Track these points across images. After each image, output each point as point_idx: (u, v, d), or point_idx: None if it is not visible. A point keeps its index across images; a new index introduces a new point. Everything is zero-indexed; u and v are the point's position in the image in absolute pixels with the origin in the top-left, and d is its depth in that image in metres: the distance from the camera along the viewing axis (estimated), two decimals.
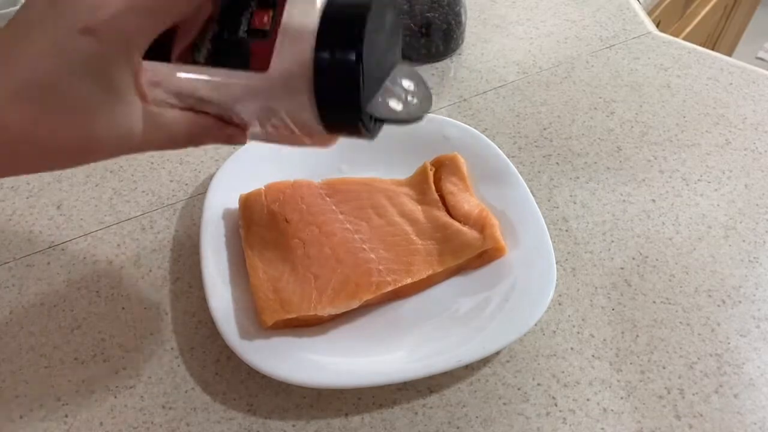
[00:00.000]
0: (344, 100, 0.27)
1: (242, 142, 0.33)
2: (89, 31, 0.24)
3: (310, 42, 0.26)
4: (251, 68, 0.28)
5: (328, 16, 0.27)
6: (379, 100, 0.30)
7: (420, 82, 0.33)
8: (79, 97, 0.24)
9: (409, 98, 0.32)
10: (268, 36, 0.27)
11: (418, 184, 0.49)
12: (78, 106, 0.24)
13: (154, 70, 0.28)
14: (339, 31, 0.26)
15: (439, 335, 0.41)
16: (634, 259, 0.47)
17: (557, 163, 0.54)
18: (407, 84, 0.32)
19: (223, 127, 0.31)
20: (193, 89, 0.29)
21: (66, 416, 0.39)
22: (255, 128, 0.32)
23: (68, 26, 0.24)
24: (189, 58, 0.29)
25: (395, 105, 0.31)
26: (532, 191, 0.48)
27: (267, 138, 0.33)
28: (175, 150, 0.31)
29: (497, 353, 0.42)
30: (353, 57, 0.26)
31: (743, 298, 0.45)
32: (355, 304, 0.41)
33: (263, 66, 0.27)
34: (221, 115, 0.31)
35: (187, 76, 0.29)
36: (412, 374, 0.38)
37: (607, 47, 0.65)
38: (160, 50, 0.28)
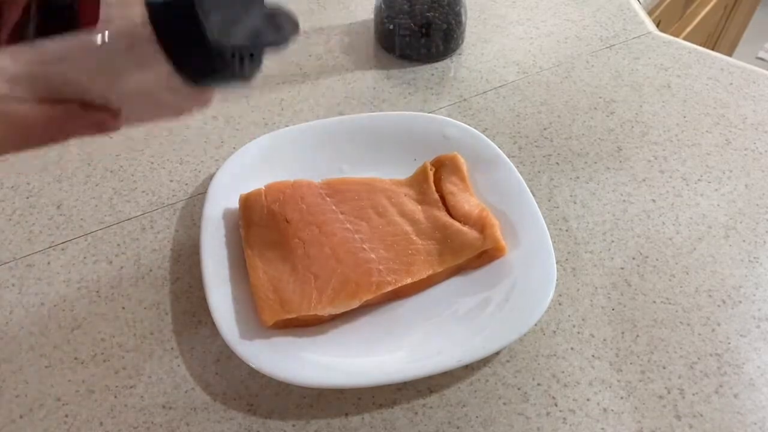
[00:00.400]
0: (189, 41, 0.25)
1: (116, 128, 0.29)
2: None
3: None
4: (82, 26, 0.25)
5: None
6: (232, 30, 0.26)
7: (280, 7, 0.30)
8: None
9: (270, 25, 0.29)
10: None
11: (418, 184, 0.49)
12: None
13: None
14: None
15: (439, 335, 0.41)
16: (634, 259, 0.47)
17: (557, 163, 0.54)
18: (266, 9, 0.29)
19: (86, 113, 0.27)
20: (31, 72, 0.26)
21: (66, 416, 0.39)
22: (127, 107, 0.29)
23: None
24: (19, 38, 0.26)
25: (254, 34, 0.28)
26: (532, 191, 0.48)
27: (143, 114, 0.30)
28: (40, 148, 0.27)
29: (497, 353, 0.42)
30: None
31: (743, 298, 0.45)
32: (355, 304, 0.41)
33: (93, 19, 0.25)
34: (81, 99, 0.27)
35: (21, 57, 0.25)
36: (412, 374, 0.38)
37: (607, 47, 0.65)
38: None
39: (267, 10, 0.29)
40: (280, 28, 0.30)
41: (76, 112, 0.27)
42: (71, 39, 0.26)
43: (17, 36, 0.27)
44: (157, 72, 0.26)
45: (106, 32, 0.25)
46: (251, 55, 0.28)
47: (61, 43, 0.26)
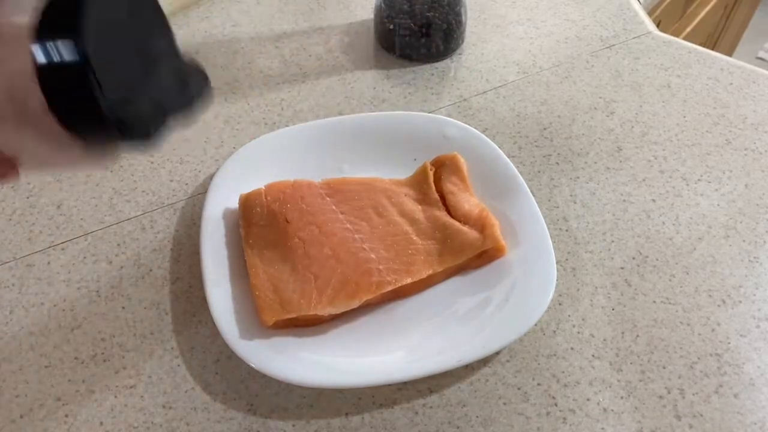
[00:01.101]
0: (83, 108, 0.23)
1: (14, 177, 0.28)
2: None
3: (27, 40, 0.22)
4: None
5: (44, 6, 0.22)
6: (134, 93, 0.25)
7: (190, 61, 0.28)
8: None
9: (177, 85, 0.27)
10: None
11: (418, 183, 0.49)
12: None
13: None
14: (56, 21, 0.22)
15: (439, 335, 0.41)
16: (634, 258, 0.47)
17: (557, 162, 0.54)
18: (174, 67, 0.28)
19: None
20: None
21: (66, 416, 0.39)
22: (23, 159, 0.28)
23: None
24: None
25: (158, 96, 0.26)
26: (532, 191, 0.48)
27: (41, 166, 0.29)
28: None
29: (497, 353, 0.42)
30: (74, 51, 0.22)
31: (743, 298, 0.45)
32: (355, 304, 0.41)
33: None
34: None
35: None
36: (412, 374, 0.38)
37: (607, 47, 0.65)
38: None
39: (174, 68, 0.28)
40: (187, 89, 0.28)
41: None
42: None
43: None
44: (46, 129, 0.24)
45: None
46: (153, 119, 0.26)
47: None
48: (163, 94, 0.27)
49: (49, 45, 0.22)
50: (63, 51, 0.22)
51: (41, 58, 0.22)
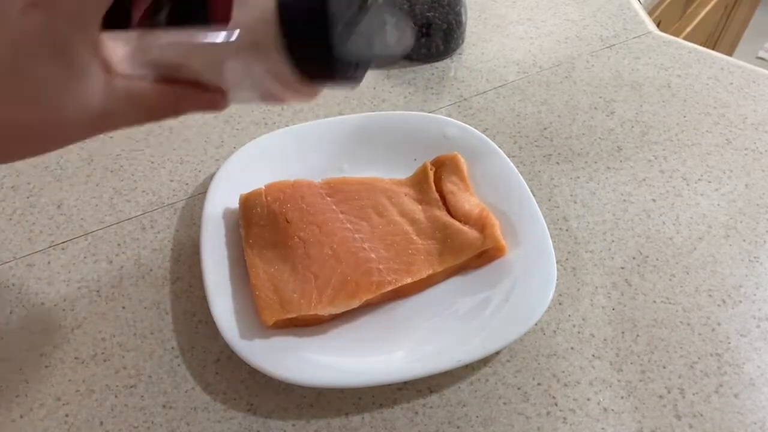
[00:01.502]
0: (314, 45, 0.25)
1: (223, 107, 0.31)
2: (35, 6, 0.22)
3: None
4: (213, 21, 0.26)
5: None
6: (355, 38, 0.27)
7: (399, 15, 0.31)
8: (38, 78, 0.23)
9: (389, 34, 0.30)
10: None
11: (418, 183, 0.49)
12: (38, 87, 0.23)
13: (114, 39, 0.26)
14: None
15: (439, 335, 0.41)
16: (634, 258, 0.47)
17: (557, 162, 0.54)
18: (386, 18, 0.30)
19: (200, 93, 0.29)
20: (158, 55, 0.27)
21: (66, 416, 0.39)
22: (235, 90, 0.30)
23: (11, 3, 0.22)
24: (150, 23, 0.27)
25: (373, 43, 0.29)
26: (532, 191, 0.48)
27: (248, 98, 0.32)
28: (159, 121, 0.29)
29: (497, 353, 0.42)
30: None
31: (743, 298, 0.45)
32: (355, 304, 0.41)
33: (225, 17, 0.26)
34: (196, 80, 0.29)
35: (150, 41, 0.27)
36: (412, 374, 0.38)
37: (607, 47, 0.65)
38: (118, 17, 0.26)
39: (389, 20, 0.30)
40: (398, 40, 0.31)
41: (192, 91, 0.29)
42: (201, 32, 0.27)
43: (148, 21, 0.28)
44: (273, 65, 0.27)
45: (236, 32, 0.26)
46: (366, 63, 0.29)
47: (191, 34, 0.27)
48: (375, 40, 0.29)
49: None
50: None
51: (285, 1, 0.25)
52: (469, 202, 0.47)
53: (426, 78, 0.62)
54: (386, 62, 0.30)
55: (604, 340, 0.42)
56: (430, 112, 0.58)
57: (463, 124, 0.53)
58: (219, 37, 0.26)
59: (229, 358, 0.41)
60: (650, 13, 1.01)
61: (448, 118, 0.53)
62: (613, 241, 0.48)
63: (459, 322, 0.42)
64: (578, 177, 0.53)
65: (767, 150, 0.55)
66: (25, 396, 0.40)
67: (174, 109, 0.29)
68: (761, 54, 2.11)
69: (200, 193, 0.52)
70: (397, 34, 0.31)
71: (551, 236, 0.44)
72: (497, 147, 0.51)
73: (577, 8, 0.71)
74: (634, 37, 0.67)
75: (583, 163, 0.54)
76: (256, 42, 0.26)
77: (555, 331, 0.43)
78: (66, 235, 0.49)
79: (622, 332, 0.43)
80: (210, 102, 0.30)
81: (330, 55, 0.26)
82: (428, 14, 0.60)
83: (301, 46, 0.26)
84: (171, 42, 0.27)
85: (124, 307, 0.44)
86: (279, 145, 0.52)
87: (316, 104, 0.59)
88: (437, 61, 0.63)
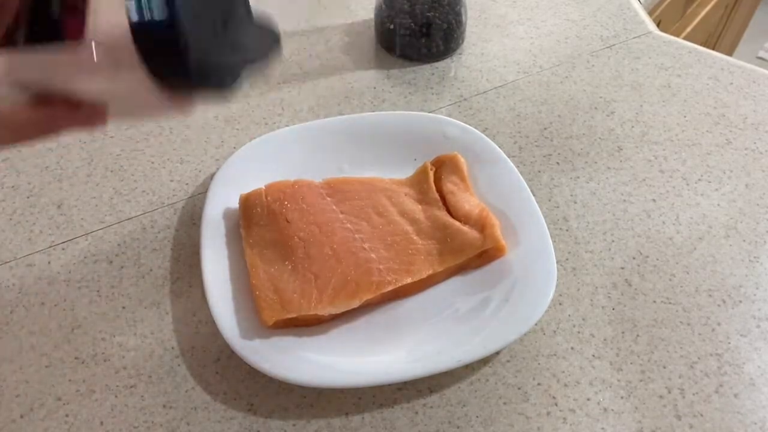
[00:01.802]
0: (168, 57, 0.26)
1: (102, 124, 0.31)
2: None
3: (122, 2, 0.25)
4: (67, 39, 0.27)
5: None
6: (212, 47, 0.28)
7: (262, 20, 0.31)
8: None
9: (253, 40, 0.30)
10: (80, 6, 0.26)
11: (418, 183, 0.49)
12: None
13: None
14: None
15: (439, 335, 0.41)
16: (634, 258, 0.47)
17: (558, 162, 0.54)
18: (247, 25, 0.31)
19: (74, 110, 0.29)
20: (21, 75, 0.27)
21: (66, 416, 0.39)
22: (110, 107, 0.30)
23: None
24: (8, 42, 0.28)
25: (236, 49, 0.29)
26: (532, 191, 0.48)
27: (126, 114, 0.32)
28: (33, 144, 0.29)
29: (497, 353, 0.42)
30: (165, 9, 0.25)
31: (744, 298, 0.45)
32: (355, 304, 0.41)
33: (78, 35, 0.26)
34: (68, 99, 0.28)
35: (11, 61, 0.27)
36: (412, 374, 0.38)
37: (607, 47, 0.65)
38: None
39: (251, 26, 0.31)
40: (262, 45, 0.31)
41: (65, 109, 0.29)
42: (58, 49, 0.27)
43: (6, 41, 0.28)
44: (137, 81, 0.27)
45: (92, 46, 0.27)
46: (231, 71, 0.29)
47: (49, 51, 0.27)
48: (240, 50, 0.30)
49: (143, 2, 0.25)
50: (155, 9, 0.25)
51: (134, 16, 0.25)
52: (469, 202, 0.47)
53: (426, 78, 0.62)
54: (256, 69, 0.30)
55: (604, 340, 0.42)
56: (430, 112, 0.58)
57: (463, 124, 0.53)
58: (77, 54, 0.27)
59: (229, 358, 0.41)
60: (650, 13, 1.01)
61: (448, 118, 0.53)
62: (613, 241, 0.48)
63: (459, 322, 0.42)
64: (578, 177, 0.53)
65: (767, 150, 0.55)
66: (25, 396, 0.40)
67: (49, 128, 0.29)
68: (761, 54, 2.11)
69: (200, 193, 0.52)
70: (261, 40, 0.31)
71: (551, 236, 0.44)
72: (497, 147, 0.51)
73: (577, 8, 0.71)
74: (634, 37, 0.67)
75: (583, 163, 0.54)
76: (118, 60, 0.26)
77: (555, 331, 0.43)
78: (66, 235, 0.49)
79: (622, 332, 0.43)
80: (86, 120, 0.30)
81: (186, 66, 0.26)
82: (428, 14, 0.60)
83: (156, 58, 0.26)
84: (30, 61, 0.27)
85: (124, 307, 0.44)
86: (279, 145, 0.52)
87: (316, 104, 0.59)
88: (437, 61, 0.63)
